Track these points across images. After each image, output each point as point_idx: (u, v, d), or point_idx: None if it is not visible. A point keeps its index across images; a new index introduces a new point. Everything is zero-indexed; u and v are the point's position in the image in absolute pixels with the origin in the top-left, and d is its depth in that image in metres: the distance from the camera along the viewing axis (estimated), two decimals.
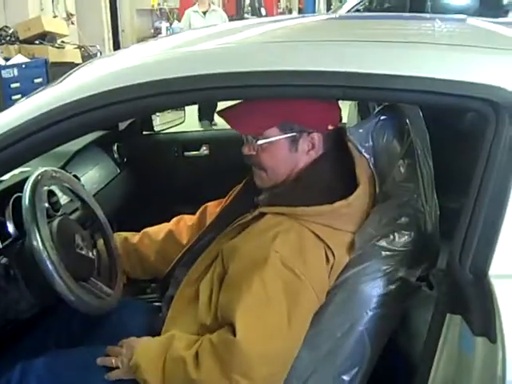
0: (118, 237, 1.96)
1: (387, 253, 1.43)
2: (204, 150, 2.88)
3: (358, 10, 7.40)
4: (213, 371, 1.37)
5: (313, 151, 1.53)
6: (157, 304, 1.84)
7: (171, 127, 2.93)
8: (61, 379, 1.55)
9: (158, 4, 13.82)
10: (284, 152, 1.51)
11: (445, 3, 7.59)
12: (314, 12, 16.06)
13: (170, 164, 2.85)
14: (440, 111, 1.49)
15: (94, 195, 2.05)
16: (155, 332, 1.61)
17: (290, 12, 20.09)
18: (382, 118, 1.61)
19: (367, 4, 7.77)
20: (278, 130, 1.49)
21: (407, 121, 1.60)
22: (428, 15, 2.27)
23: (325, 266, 1.44)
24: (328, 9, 15.08)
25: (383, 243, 1.43)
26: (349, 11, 7.36)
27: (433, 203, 1.54)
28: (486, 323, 1.10)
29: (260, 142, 1.50)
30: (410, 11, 6.59)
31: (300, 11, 19.83)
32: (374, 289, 1.42)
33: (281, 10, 19.67)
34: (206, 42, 1.51)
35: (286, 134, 1.49)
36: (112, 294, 1.73)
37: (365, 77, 1.20)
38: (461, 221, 1.16)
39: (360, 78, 1.20)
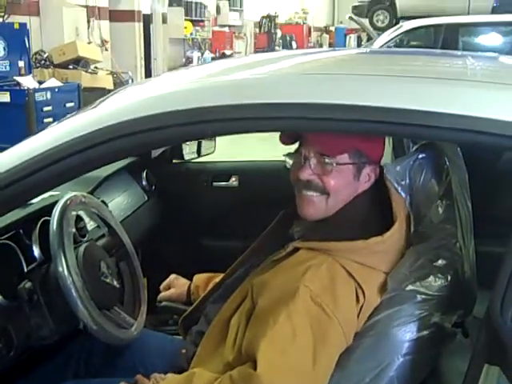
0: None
1: (422, 297, 1.37)
2: (233, 181, 2.84)
3: (389, 47, 7.41)
4: None
5: (368, 183, 1.50)
6: (178, 337, 1.80)
7: (201, 156, 2.91)
8: None
9: (191, 34, 14.03)
10: (349, 178, 1.47)
11: (475, 43, 7.59)
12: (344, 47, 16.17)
13: (199, 194, 2.82)
14: (480, 151, 1.45)
15: (120, 222, 2.03)
16: (176, 367, 1.58)
17: (321, 47, 20.24)
18: (421, 156, 1.57)
19: (398, 42, 7.79)
20: (348, 156, 1.45)
21: (446, 160, 1.56)
22: (459, 52, 2.25)
23: (355, 306, 1.39)
24: (358, 45, 15.17)
25: (417, 286, 1.38)
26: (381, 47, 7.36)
27: (470, 247, 1.48)
28: None
29: (329, 164, 1.44)
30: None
31: (330, 46, 19.97)
32: (406, 333, 1.36)
33: (311, 45, 19.84)
34: (240, 71, 1.49)
35: (354, 161, 1.46)
36: (134, 324, 1.70)
37: (405, 113, 1.15)
38: (503, 268, 1.11)
39: (400, 114, 1.16)
